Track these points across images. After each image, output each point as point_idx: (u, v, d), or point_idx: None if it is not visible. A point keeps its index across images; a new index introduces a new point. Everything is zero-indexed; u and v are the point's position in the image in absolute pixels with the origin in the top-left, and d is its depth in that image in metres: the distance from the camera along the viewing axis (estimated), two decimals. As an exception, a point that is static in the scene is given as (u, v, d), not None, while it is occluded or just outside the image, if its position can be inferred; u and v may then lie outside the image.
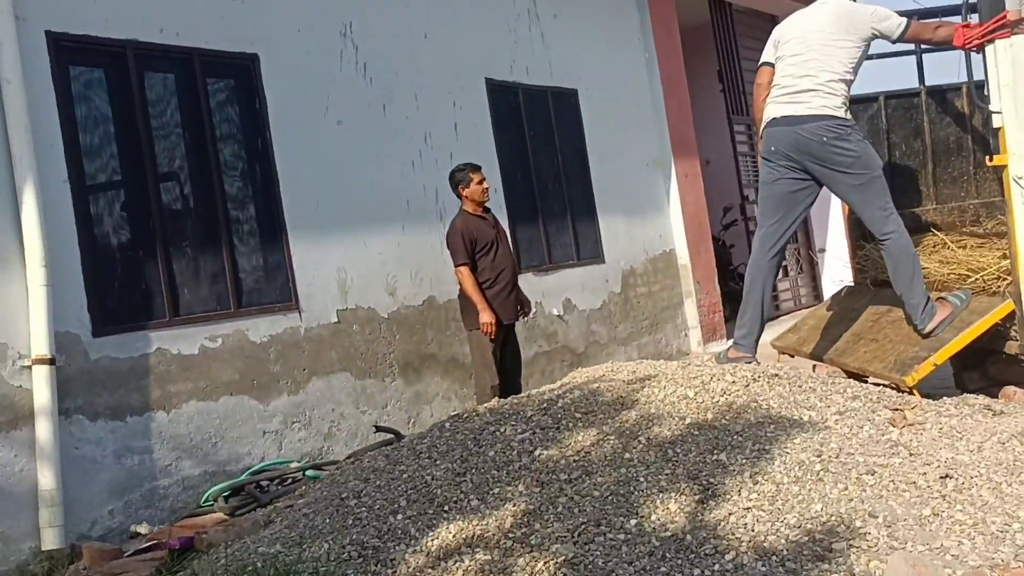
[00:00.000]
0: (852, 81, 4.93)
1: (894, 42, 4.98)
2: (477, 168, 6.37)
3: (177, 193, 5.81)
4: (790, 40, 5.03)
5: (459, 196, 6.35)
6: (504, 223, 7.87)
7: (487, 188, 6.37)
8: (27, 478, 4.78)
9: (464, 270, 6.14)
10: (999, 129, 4.34)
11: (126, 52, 5.55)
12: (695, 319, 10.01)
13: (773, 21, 13.76)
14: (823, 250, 12.97)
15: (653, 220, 9.83)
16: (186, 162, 5.84)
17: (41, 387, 4.79)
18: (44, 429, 4.77)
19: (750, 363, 4.78)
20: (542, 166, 8.53)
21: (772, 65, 5.14)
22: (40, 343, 4.83)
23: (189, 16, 5.87)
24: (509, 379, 6.30)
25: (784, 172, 4.96)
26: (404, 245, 7.06)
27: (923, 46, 5.72)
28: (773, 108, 4.99)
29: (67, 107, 5.24)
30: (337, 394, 6.36)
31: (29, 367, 4.82)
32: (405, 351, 6.91)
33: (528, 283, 8.05)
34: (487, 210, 6.42)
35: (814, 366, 5.59)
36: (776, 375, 4.18)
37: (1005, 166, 4.32)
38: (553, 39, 8.81)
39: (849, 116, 4.90)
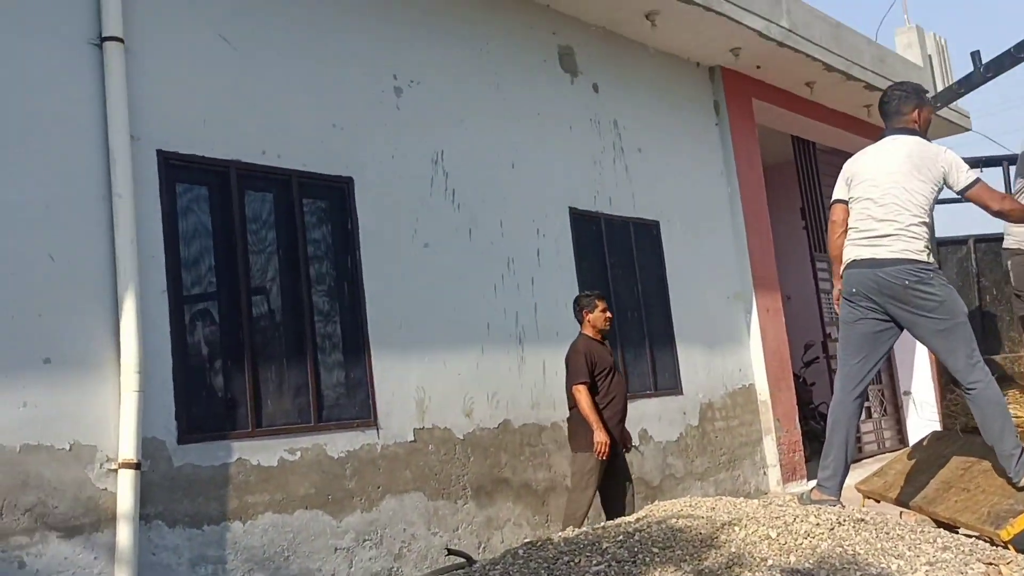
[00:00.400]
0: (931, 222, 4.86)
1: (958, 193, 4.89)
2: (602, 297, 6.77)
3: (267, 307, 5.98)
4: (864, 181, 4.95)
5: (580, 320, 6.67)
6: (583, 350, 7.92)
7: (609, 317, 6.68)
8: (103, 582, 4.84)
9: (583, 388, 6.31)
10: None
11: (229, 171, 5.82)
12: (775, 457, 9.79)
13: (856, 160, 13.84)
14: (908, 393, 12.68)
15: (733, 353, 9.75)
16: (278, 277, 6.04)
17: (125, 491, 4.88)
18: (125, 533, 4.83)
19: (834, 506, 4.65)
20: (622, 295, 8.58)
21: (845, 202, 5.06)
22: (128, 447, 4.94)
23: (290, 140, 6.15)
24: (617, 504, 6.34)
25: (866, 313, 4.89)
26: (482, 367, 7.11)
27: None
28: (854, 250, 4.93)
29: (171, 221, 5.49)
30: (409, 514, 6.34)
31: (115, 470, 4.93)
32: (479, 474, 6.89)
33: (604, 411, 8.01)
34: (605, 338, 6.64)
35: (901, 512, 5.41)
36: (862, 519, 4.06)
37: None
38: (637, 172, 8.99)
39: (932, 259, 4.82)
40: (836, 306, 5.14)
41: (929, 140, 5.00)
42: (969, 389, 4.72)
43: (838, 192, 5.17)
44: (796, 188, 12.43)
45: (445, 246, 7.02)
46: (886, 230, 4.79)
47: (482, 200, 7.38)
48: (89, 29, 5.25)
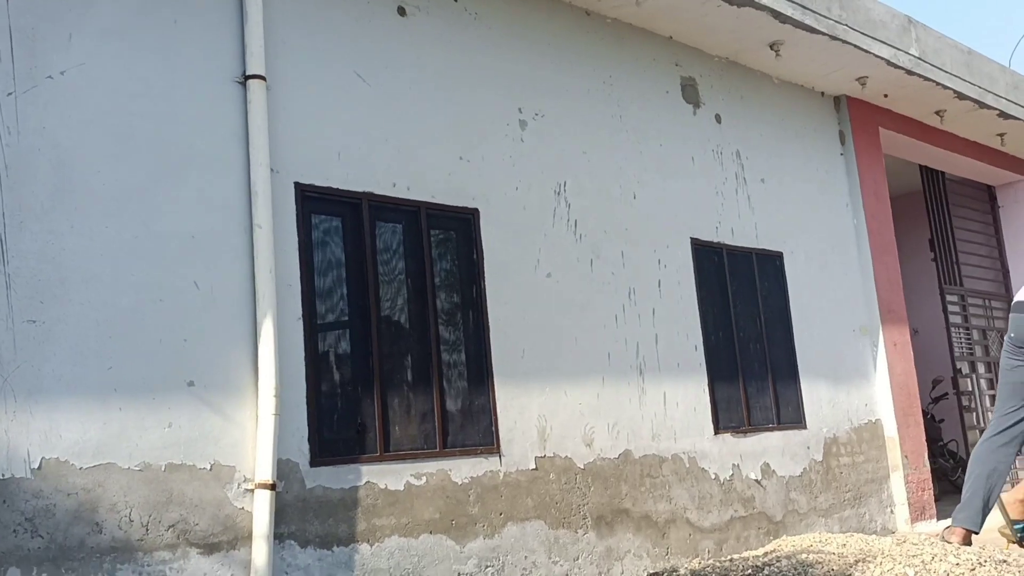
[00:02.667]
0: None
1: None
2: None
3: (396, 335, 6.14)
4: None
5: None
6: (703, 382, 7.87)
7: None
8: (239, 598, 5.02)
9: None
10: None
11: (362, 203, 6.02)
12: (903, 495, 9.48)
13: (988, 191, 13.43)
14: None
15: (859, 388, 9.51)
16: (406, 306, 6.20)
17: (261, 511, 5.07)
18: (260, 552, 5.01)
19: (970, 545, 4.50)
20: (744, 326, 8.49)
21: None
22: (265, 469, 5.13)
23: (419, 172, 6.33)
24: None
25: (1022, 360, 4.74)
26: (603, 397, 7.13)
27: None
28: (1021, 292, 4.82)
29: (307, 251, 5.71)
30: (531, 542, 6.38)
31: (252, 491, 5.12)
32: (599, 504, 6.89)
33: (726, 444, 7.93)
34: None
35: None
36: (1005, 561, 3.92)
37: None
38: (759, 203, 8.90)
39: None
40: None
41: None
42: None
43: None
44: (924, 219, 12.08)
45: (567, 276, 7.08)
46: None
47: (604, 231, 7.43)
48: (234, 68, 5.53)
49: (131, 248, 4.98)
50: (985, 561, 3.85)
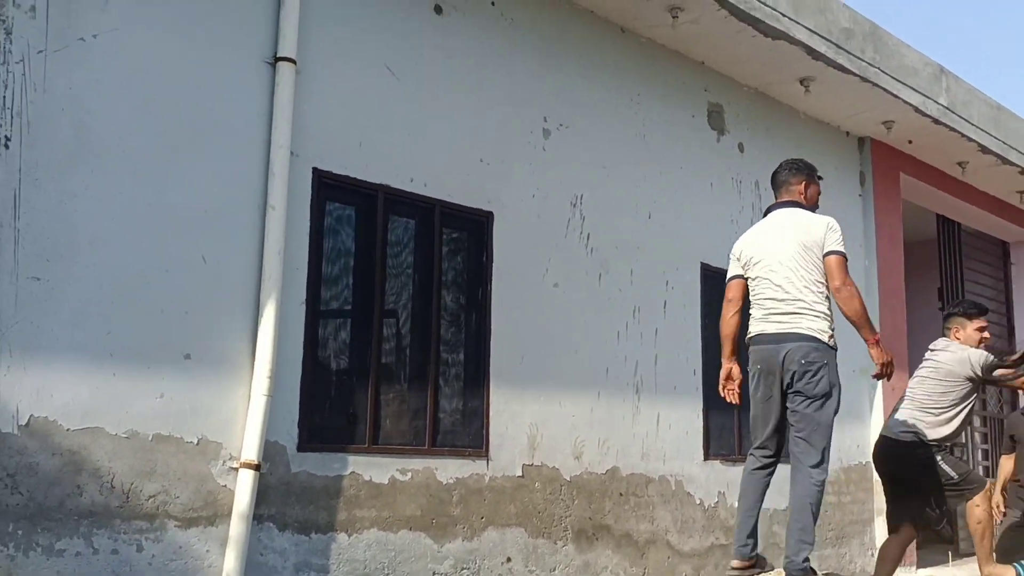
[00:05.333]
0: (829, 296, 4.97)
1: (824, 255, 4.96)
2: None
3: (397, 329, 6.15)
4: (759, 262, 5.12)
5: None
6: (698, 406, 7.87)
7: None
8: (212, 574, 5.03)
9: None
10: None
11: (377, 195, 6.03)
12: (884, 540, 9.44)
13: (1003, 247, 13.39)
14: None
15: (852, 428, 9.49)
16: (411, 302, 6.21)
17: (243, 490, 5.08)
18: (238, 531, 5.03)
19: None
20: (745, 356, 8.45)
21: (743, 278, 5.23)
22: (251, 449, 5.14)
23: (437, 170, 6.33)
24: None
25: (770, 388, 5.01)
26: (596, 411, 7.13)
27: None
28: (758, 325, 5.08)
29: (317, 237, 5.72)
30: (509, 548, 6.39)
31: (236, 469, 5.14)
32: (581, 517, 6.89)
33: (715, 471, 7.92)
34: None
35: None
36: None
37: None
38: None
39: (832, 340, 4.97)
40: (722, 386, 5.30)
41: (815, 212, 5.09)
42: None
43: (733, 270, 5.30)
44: (936, 268, 12.05)
45: (574, 288, 7.08)
46: (788, 308, 4.93)
47: (615, 247, 7.43)
48: (266, 48, 5.55)
49: (143, 216, 5.00)
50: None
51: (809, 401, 4.93)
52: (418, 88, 6.30)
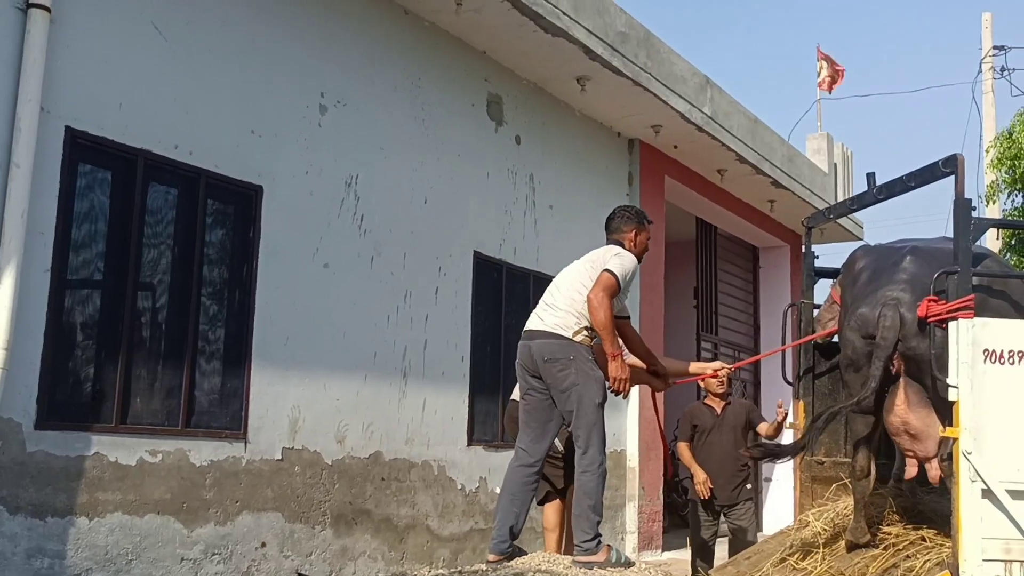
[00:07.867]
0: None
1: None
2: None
3: (152, 303, 5.84)
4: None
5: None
6: (464, 392, 7.96)
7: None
8: (-71, 561, 4.61)
9: None
10: (953, 402, 4.47)
11: (137, 160, 5.70)
12: (635, 524, 9.93)
13: (753, 251, 14.38)
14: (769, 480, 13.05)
15: (609, 417, 9.82)
16: (169, 274, 5.91)
17: (-31, 471, 4.68)
18: (-39, 514, 4.63)
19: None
20: (513, 343, 8.62)
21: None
22: (-19, 425, 4.75)
23: (205, 139, 6.06)
24: None
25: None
26: (362, 395, 7.06)
27: None
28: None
29: (67, 200, 5.34)
30: (264, 533, 6.22)
31: (-37, 447, 4.73)
32: (341, 502, 6.80)
33: (477, 457, 8.04)
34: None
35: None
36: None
37: (956, 439, 4.44)
38: (545, 227, 9.11)
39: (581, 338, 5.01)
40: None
41: (640, 260, 5.25)
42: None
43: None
44: (693, 267, 12.79)
45: (345, 269, 6.98)
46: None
47: (389, 230, 7.38)
48: (16, -8, 5.11)
49: None
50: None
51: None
52: (187, 51, 6.00)
